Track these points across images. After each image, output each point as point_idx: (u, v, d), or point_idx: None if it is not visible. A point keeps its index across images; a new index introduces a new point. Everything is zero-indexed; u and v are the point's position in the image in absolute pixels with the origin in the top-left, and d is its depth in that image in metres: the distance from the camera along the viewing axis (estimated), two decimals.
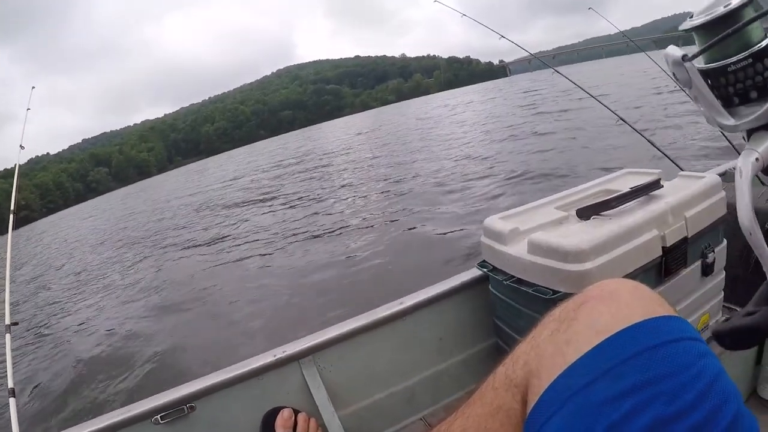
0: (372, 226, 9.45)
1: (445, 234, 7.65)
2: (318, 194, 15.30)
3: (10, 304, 2.96)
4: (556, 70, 4.34)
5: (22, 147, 3.60)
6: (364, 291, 6.23)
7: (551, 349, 0.78)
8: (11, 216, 3.27)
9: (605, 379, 0.70)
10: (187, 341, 6.49)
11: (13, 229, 3.01)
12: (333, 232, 9.81)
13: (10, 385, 2.48)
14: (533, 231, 2.11)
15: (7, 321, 2.80)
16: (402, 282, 6.12)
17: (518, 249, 2.09)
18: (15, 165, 3.55)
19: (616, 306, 0.76)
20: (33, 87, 3.87)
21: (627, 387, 0.68)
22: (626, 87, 26.89)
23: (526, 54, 4.94)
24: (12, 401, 2.39)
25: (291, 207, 14.03)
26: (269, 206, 15.68)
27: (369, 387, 2.48)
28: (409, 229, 8.59)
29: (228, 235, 12.63)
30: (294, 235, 10.52)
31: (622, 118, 3.56)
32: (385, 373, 2.49)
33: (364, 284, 6.51)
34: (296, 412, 2.20)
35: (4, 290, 3.02)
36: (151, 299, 9.39)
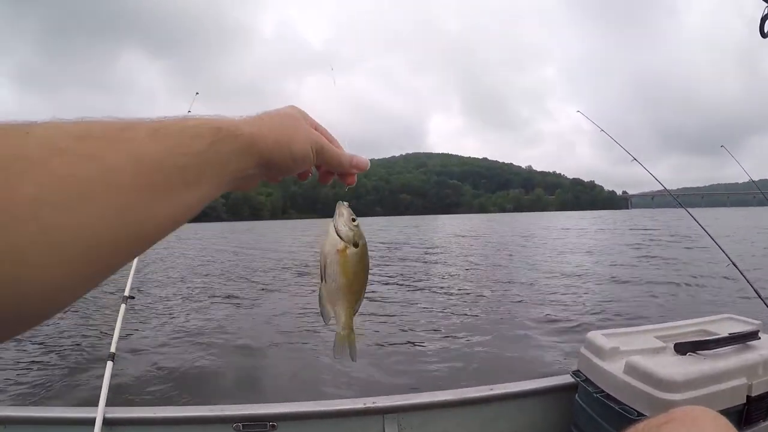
0: (465, 316, 9.39)
1: (531, 339, 7.54)
2: (413, 279, 15.28)
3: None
4: (691, 215, 4.29)
5: None
6: (451, 369, 6.20)
7: None
8: None
9: None
10: (275, 368, 6.62)
11: None
12: (427, 313, 9.79)
13: (113, 350, 2.65)
14: (632, 354, 2.22)
15: (126, 293, 3.02)
16: (487, 370, 6.11)
17: (615, 367, 2.22)
18: None
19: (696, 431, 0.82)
20: (197, 93, 4.18)
21: None
22: (749, 239, 25.85)
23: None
24: (109, 364, 2.57)
25: (387, 284, 14.06)
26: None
27: None
28: (500, 325, 8.51)
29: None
30: (384, 310, 10.57)
31: (732, 262, 3.52)
32: None
33: (451, 363, 6.48)
34: None
35: (131, 265, 3.22)
36: (251, 322, 9.64)
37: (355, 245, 0.87)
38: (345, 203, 0.88)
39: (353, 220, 0.88)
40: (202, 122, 0.54)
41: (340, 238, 0.86)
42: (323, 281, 0.87)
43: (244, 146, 0.57)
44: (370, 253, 0.89)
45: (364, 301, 0.89)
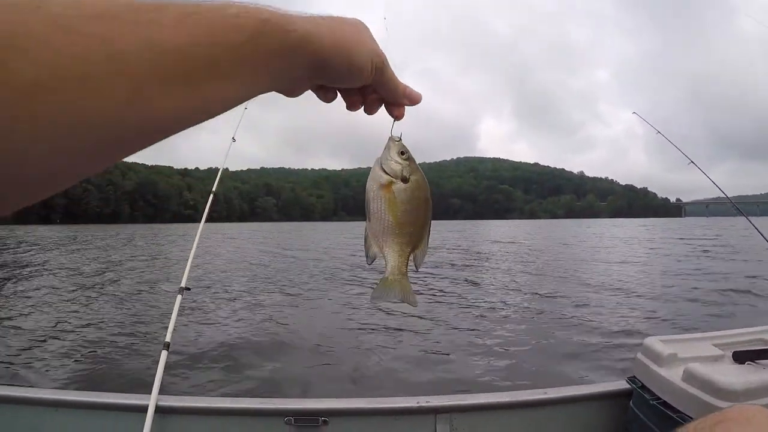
0: (517, 318, 9.34)
1: (583, 344, 7.42)
2: (465, 282, 15.17)
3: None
4: (752, 223, 4.12)
5: (234, 139, 4.02)
6: (502, 371, 6.18)
7: None
8: (210, 196, 3.65)
9: None
10: (326, 363, 6.71)
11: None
12: (478, 317, 9.71)
13: (168, 339, 2.71)
14: (690, 361, 2.20)
15: (182, 284, 3.09)
16: (538, 373, 6.13)
17: (673, 374, 2.18)
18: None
19: (750, 431, 0.79)
20: None
21: None
22: None
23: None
24: (164, 353, 2.63)
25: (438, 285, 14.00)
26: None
27: None
28: (551, 329, 8.43)
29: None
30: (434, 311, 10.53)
31: None
32: None
33: (502, 364, 6.45)
34: None
35: (187, 258, 3.30)
36: (303, 318, 9.86)
37: (405, 180, 0.80)
38: (397, 137, 0.81)
39: (402, 153, 0.81)
40: (245, 11, 0.48)
41: (385, 173, 0.80)
42: (368, 220, 0.81)
43: (294, 43, 0.52)
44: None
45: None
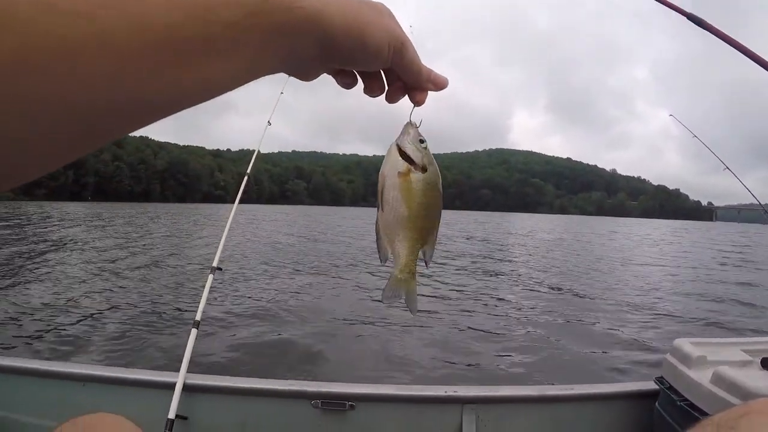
0: (538, 316, 9.28)
1: (608, 345, 7.38)
2: (492, 273, 15.12)
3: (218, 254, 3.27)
4: None
5: (269, 123, 4.07)
6: (527, 366, 6.18)
7: None
8: (244, 179, 3.68)
9: None
10: (354, 348, 6.82)
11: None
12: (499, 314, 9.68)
13: (198, 317, 2.75)
14: (719, 364, 2.16)
15: (215, 264, 3.13)
16: (561, 369, 6.12)
17: (701, 376, 2.17)
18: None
19: None
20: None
21: None
22: None
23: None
24: (194, 332, 2.67)
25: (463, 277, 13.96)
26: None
27: None
28: (577, 326, 8.42)
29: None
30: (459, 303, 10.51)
31: None
32: None
33: (528, 360, 6.45)
34: None
35: (220, 238, 3.34)
36: (333, 301, 10.00)
37: (423, 170, 0.74)
38: (415, 123, 0.75)
39: (421, 141, 0.75)
40: None
41: (405, 159, 0.74)
42: (380, 209, 0.75)
43: (300, 21, 0.49)
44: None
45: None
